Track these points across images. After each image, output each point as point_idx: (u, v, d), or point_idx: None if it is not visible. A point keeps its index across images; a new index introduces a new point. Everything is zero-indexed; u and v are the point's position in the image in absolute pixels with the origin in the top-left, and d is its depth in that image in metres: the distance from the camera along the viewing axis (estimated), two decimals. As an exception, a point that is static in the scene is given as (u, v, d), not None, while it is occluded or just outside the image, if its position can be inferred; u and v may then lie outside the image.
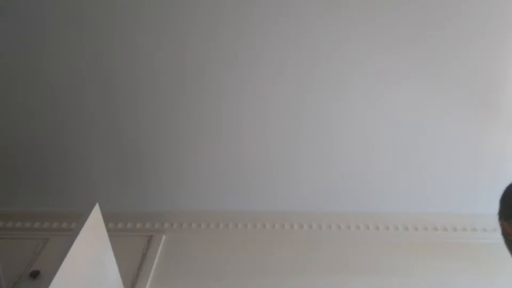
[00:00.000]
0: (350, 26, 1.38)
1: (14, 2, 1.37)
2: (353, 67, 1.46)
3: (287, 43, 1.42)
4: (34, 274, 1.53)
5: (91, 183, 1.77)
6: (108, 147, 1.67)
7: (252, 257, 1.63)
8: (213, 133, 1.62)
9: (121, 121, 1.61)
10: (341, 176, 1.71)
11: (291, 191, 1.76)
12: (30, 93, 1.55)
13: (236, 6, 1.36)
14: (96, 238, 1.22)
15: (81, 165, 1.73)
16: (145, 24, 1.40)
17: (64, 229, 1.76)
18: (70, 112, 1.59)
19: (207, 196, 1.78)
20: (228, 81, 1.50)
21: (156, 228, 1.78)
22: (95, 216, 1.19)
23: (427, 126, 1.58)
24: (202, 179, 1.74)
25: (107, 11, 1.38)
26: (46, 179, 1.76)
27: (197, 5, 1.36)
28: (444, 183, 1.71)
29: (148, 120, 1.60)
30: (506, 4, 1.33)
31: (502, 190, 0.81)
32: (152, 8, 1.37)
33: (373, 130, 1.59)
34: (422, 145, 1.62)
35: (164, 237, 1.74)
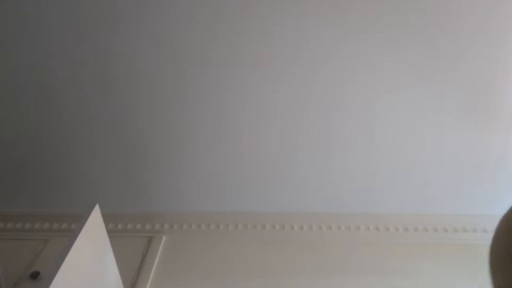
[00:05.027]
0: (351, 27, 1.38)
1: (14, 1, 1.37)
2: (353, 67, 1.46)
3: (287, 43, 1.42)
4: (34, 275, 1.53)
5: (91, 184, 1.77)
6: (108, 148, 1.67)
7: (253, 258, 1.63)
8: (213, 133, 1.62)
9: (121, 122, 1.61)
10: (341, 176, 1.71)
11: (291, 192, 1.76)
12: (29, 93, 1.55)
13: (236, 6, 1.36)
14: (96, 239, 1.22)
15: (81, 166, 1.73)
16: (145, 24, 1.40)
17: (64, 230, 1.76)
18: (70, 113, 1.59)
19: (207, 197, 1.78)
20: (229, 81, 1.50)
21: (156, 229, 1.78)
22: (95, 217, 1.19)
23: (427, 126, 1.58)
24: (202, 180, 1.74)
25: (108, 11, 1.38)
26: (46, 180, 1.76)
27: (197, 5, 1.36)
28: (444, 184, 1.71)
29: (148, 120, 1.60)
30: (506, 4, 1.34)
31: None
32: (152, 8, 1.37)
33: (373, 131, 1.59)
34: (422, 145, 1.62)
35: (164, 238, 1.74)
